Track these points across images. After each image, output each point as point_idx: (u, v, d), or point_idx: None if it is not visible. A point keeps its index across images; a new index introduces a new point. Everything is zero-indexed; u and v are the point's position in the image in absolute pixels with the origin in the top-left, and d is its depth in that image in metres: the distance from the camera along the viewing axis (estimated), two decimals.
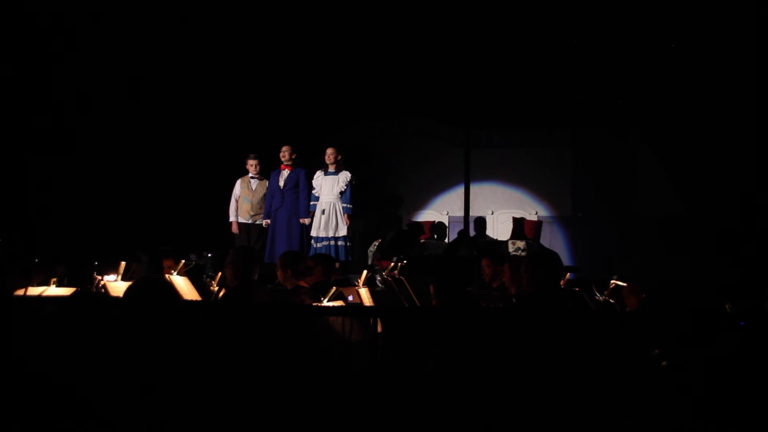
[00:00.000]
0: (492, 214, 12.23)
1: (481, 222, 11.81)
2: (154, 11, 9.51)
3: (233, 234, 9.76)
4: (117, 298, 5.20)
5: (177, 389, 4.32)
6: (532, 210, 12.05)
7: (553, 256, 10.17)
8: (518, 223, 11.56)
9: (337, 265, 7.70)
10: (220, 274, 5.99)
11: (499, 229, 12.07)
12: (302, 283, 5.74)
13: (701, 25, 9.50)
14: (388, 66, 10.83)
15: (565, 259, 11.11)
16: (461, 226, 11.52)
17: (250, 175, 9.80)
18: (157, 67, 9.99)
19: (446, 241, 11.72)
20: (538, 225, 11.63)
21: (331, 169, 9.56)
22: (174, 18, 9.70)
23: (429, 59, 10.63)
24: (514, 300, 5.82)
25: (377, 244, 11.07)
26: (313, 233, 9.50)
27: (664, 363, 4.00)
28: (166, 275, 5.82)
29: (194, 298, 5.56)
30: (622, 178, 11.72)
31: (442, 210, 12.42)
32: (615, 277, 6.09)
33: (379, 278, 7.63)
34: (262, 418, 4.25)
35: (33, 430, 4.36)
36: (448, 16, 9.93)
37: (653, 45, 9.93)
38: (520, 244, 10.88)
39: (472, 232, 11.37)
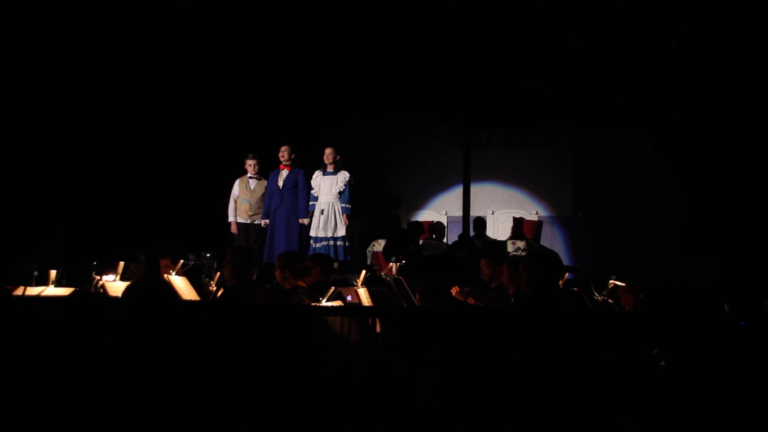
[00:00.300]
0: (492, 214, 12.22)
1: (480, 222, 11.80)
2: (154, 10, 9.50)
3: (232, 234, 9.76)
4: (115, 298, 5.20)
5: (176, 389, 4.31)
6: (532, 210, 12.05)
7: (552, 255, 10.16)
8: (518, 223, 11.56)
9: (336, 265, 7.70)
10: (218, 274, 5.98)
11: (500, 229, 12.06)
12: (300, 283, 5.74)
13: (701, 25, 9.48)
14: (388, 66, 10.82)
15: (565, 259, 11.10)
16: (460, 226, 11.51)
17: (249, 175, 9.80)
18: (157, 66, 9.98)
19: (445, 241, 11.72)
20: (538, 225, 11.62)
21: (330, 169, 9.56)
22: (173, 17, 9.69)
23: (429, 59, 10.61)
24: (512, 300, 5.81)
25: (375, 244, 11.08)
26: (312, 233, 9.50)
27: (662, 363, 4.00)
28: (165, 275, 5.82)
29: (193, 298, 5.56)
30: (622, 178, 11.71)
31: (440, 210, 12.41)
32: (614, 277, 6.08)
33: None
34: (261, 419, 4.24)
35: (31, 430, 4.36)
36: (447, 15, 9.91)
37: (653, 45, 9.92)
38: (520, 244, 10.87)
39: (471, 233, 11.37)
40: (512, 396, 4.06)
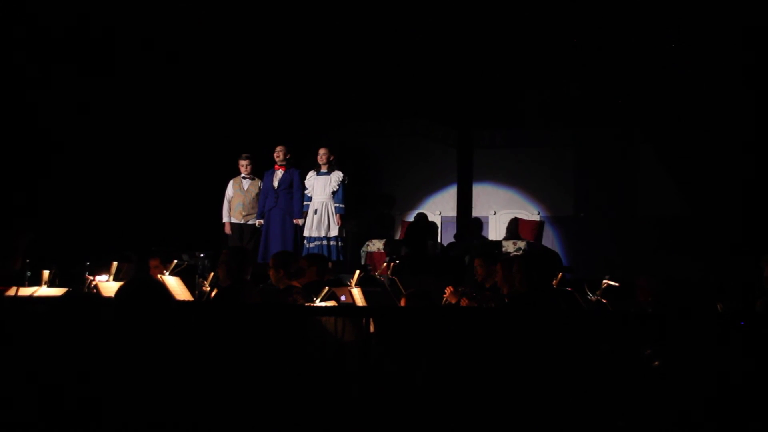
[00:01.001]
0: (494, 214, 12.22)
1: (476, 222, 11.79)
2: (147, 10, 9.48)
3: (226, 234, 9.75)
4: (109, 298, 5.18)
5: (169, 390, 4.30)
6: (534, 210, 12.04)
7: (552, 256, 10.16)
8: (512, 224, 11.57)
9: (330, 264, 7.70)
10: (212, 274, 5.98)
11: (502, 229, 12.05)
12: (295, 284, 5.74)
13: (703, 25, 9.48)
14: (386, 66, 10.79)
15: (567, 260, 11.09)
16: (454, 227, 11.50)
17: (242, 175, 9.79)
18: (151, 66, 9.96)
19: (438, 241, 11.71)
20: (539, 225, 11.60)
21: (324, 169, 9.56)
22: (168, 18, 9.67)
23: (430, 59, 10.57)
24: (506, 300, 5.82)
25: (369, 244, 11.07)
26: (306, 233, 9.49)
27: (656, 363, 4.00)
28: (158, 275, 5.81)
29: (186, 299, 5.55)
30: (623, 179, 11.69)
31: (434, 210, 12.41)
32: (607, 277, 6.09)
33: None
34: (254, 419, 4.24)
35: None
36: (448, 15, 9.88)
37: (655, 45, 9.91)
38: (521, 244, 10.87)
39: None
40: (505, 396, 4.06)
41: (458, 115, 11.56)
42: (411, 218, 12.22)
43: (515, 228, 11.49)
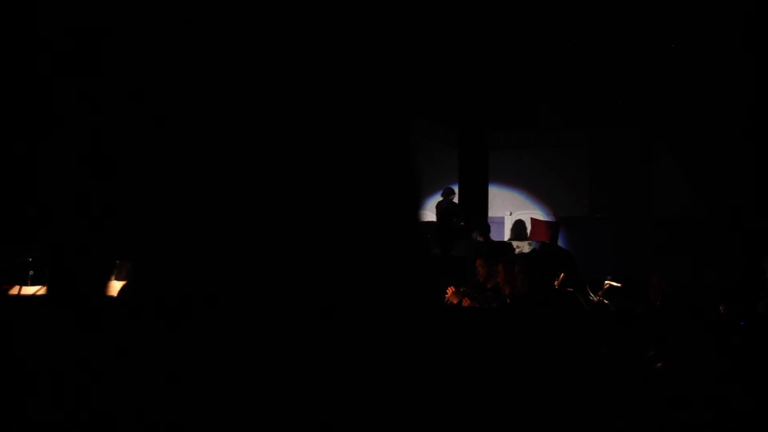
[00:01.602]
0: (510, 215, 12.21)
1: (482, 223, 11.80)
2: (143, 13, 9.47)
3: None
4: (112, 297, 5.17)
5: (170, 390, 4.30)
6: (549, 211, 12.03)
7: (564, 256, 10.15)
8: (519, 225, 11.58)
9: None
10: None
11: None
12: None
13: (709, 25, 9.44)
14: (389, 66, 10.73)
15: (580, 261, 11.08)
16: None
17: None
18: (152, 65, 9.95)
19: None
20: (554, 226, 11.60)
21: None
22: (166, 19, 9.67)
23: (439, 60, 10.53)
24: (508, 300, 5.81)
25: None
26: None
27: (659, 364, 4.00)
28: None
29: None
30: (637, 179, 11.66)
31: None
32: (609, 277, 6.09)
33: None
34: (253, 419, 4.23)
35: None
36: (462, 20, 9.84)
37: (663, 44, 9.88)
38: (536, 244, 10.88)
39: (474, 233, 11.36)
40: (507, 397, 4.06)
41: (470, 117, 11.55)
42: None
43: (522, 229, 11.49)
